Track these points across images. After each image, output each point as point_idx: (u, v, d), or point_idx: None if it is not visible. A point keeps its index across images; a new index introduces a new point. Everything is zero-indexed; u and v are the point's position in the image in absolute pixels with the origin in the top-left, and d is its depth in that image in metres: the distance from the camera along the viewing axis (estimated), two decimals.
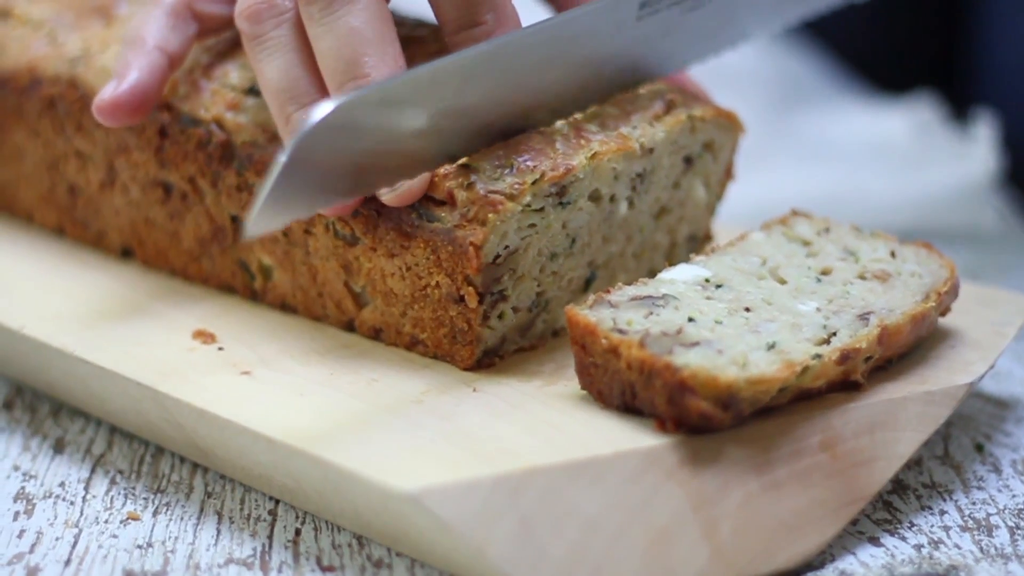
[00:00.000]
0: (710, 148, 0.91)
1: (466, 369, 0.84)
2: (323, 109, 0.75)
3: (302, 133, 0.75)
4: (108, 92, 0.89)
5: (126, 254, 0.97)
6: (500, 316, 0.84)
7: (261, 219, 0.76)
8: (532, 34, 0.82)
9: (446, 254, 0.82)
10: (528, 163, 0.82)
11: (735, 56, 1.68)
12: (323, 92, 0.82)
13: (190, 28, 0.91)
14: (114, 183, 0.96)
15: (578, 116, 0.86)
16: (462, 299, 0.82)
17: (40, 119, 0.98)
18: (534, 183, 0.82)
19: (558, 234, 0.85)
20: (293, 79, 0.83)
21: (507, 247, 0.82)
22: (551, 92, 0.84)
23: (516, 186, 0.81)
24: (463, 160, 0.82)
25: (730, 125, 0.92)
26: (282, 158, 0.75)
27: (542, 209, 0.83)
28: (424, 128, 0.80)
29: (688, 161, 0.90)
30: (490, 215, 0.81)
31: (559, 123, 0.85)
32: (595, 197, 0.85)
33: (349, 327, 0.88)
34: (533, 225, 0.83)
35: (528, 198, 0.82)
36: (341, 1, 0.81)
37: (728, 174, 0.94)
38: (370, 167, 0.80)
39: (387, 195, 0.82)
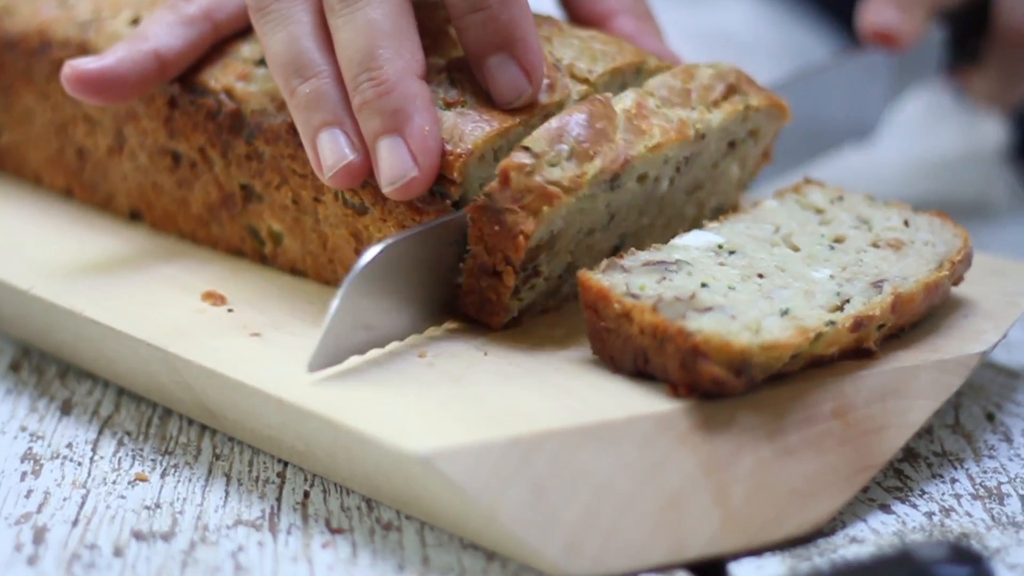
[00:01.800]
0: (754, 134, 0.90)
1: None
2: (372, 251, 0.77)
3: (352, 276, 0.77)
4: (80, 62, 0.88)
5: (134, 217, 0.97)
6: (531, 288, 0.83)
7: (318, 359, 0.77)
8: None
9: (490, 231, 0.80)
10: (586, 145, 0.80)
11: (745, 28, 1.68)
12: (331, 66, 0.82)
13: (201, 35, 0.90)
14: (122, 149, 0.95)
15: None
16: (497, 273, 0.82)
17: (49, 82, 0.98)
18: (593, 176, 0.80)
19: (601, 212, 0.83)
20: (296, 52, 0.83)
21: (552, 232, 0.81)
22: None
23: (575, 179, 0.80)
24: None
25: (779, 114, 0.90)
26: (335, 301, 0.76)
27: (593, 195, 0.82)
28: None
29: (732, 145, 0.89)
30: (544, 208, 0.79)
31: (623, 95, 0.84)
32: (642, 178, 0.84)
33: None
34: (582, 209, 0.82)
35: (585, 190, 0.80)
36: None
37: (765, 156, 0.93)
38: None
39: (388, 188, 0.81)
